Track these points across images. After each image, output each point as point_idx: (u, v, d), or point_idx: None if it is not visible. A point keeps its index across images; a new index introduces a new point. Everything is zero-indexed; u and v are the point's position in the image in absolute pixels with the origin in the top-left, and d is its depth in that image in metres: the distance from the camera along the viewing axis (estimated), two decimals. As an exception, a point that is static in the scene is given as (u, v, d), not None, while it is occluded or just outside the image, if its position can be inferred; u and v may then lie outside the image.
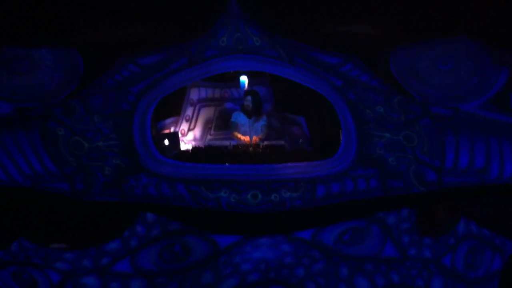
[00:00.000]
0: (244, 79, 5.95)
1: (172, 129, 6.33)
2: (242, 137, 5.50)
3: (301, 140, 5.50)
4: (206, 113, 6.62)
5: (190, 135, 6.50)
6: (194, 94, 6.56)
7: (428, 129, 4.48)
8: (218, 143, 5.76)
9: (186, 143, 6.27)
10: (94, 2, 4.57)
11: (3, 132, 4.43)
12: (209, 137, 6.53)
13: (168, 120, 6.43)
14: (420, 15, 4.61)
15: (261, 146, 5.19)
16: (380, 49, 4.67)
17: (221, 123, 6.44)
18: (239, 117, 5.69)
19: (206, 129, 6.59)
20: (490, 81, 4.53)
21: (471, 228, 4.50)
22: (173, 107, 6.49)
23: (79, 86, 4.63)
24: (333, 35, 4.74)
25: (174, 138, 5.50)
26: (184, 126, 6.48)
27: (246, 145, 5.29)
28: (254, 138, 5.48)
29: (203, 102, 6.63)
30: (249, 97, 5.67)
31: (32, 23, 4.56)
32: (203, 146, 5.65)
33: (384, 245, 4.47)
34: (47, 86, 4.62)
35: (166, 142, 5.26)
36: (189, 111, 6.53)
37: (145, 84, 4.67)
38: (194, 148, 5.43)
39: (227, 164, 4.66)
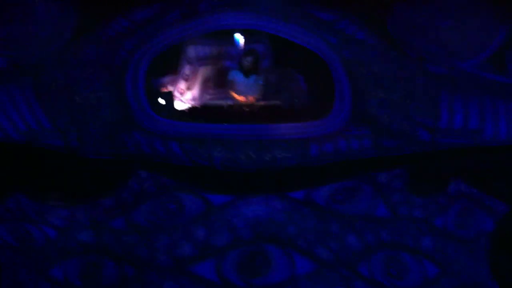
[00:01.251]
0: (238, 37, 5.95)
1: (170, 88, 6.38)
2: (238, 96, 5.55)
3: (296, 99, 5.53)
4: (204, 71, 6.63)
5: (189, 95, 6.53)
6: (191, 52, 6.56)
7: (423, 87, 4.47)
8: (215, 102, 5.82)
9: (185, 103, 6.32)
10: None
11: (-4, 87, 4.49)
12: (207, 96, 6.56)
13: (166, 79, 6.45)
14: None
15: (256, 106, 5.23)
16: (377, 5, 4.64)
17: (220, 82, 6.47)
18: (236, 76, 5.72)
19: (205, 88, 6.62)
20: (488, 39, 4.49)
21: (462, 188, 4.57)
22: (171, 65, 6.52)
23: (72, 39, 4.66)
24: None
25: (169, 97, 5.54)
26: (182, 85, 6.52)
27: (241, 105, 5.35)
28: (250, 97, 5.53)
29: (202, 60, 6.63)
30: (249, 58, 5.67)
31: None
32: (198, 105, 5.70)
33: (375, 204, 4.57)
34: (40, 35, 4.64)
35: (161, 100, 5.33)
36: (187, 70, 6.55)
37: (137, 39, 4.66)
38: (189, 108, 5.48)
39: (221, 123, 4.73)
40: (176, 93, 6.34)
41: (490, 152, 4.50)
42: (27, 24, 4.61)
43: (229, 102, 5.41)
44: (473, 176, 4.60)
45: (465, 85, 4.48)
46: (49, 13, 4.64)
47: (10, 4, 4.60)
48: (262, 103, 5.37)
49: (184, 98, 6.42)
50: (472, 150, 4.49)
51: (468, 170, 4.61)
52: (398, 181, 4.61)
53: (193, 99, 6.47)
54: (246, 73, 5.67)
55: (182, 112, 5.37)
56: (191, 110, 5.41)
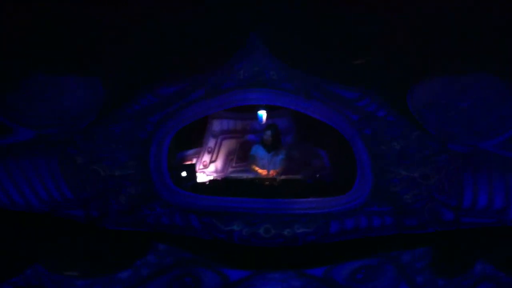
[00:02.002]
0: (262, 112, 6.09)
1: (194, 160, 6.50)
2: (260, 170, 5.62)
3: (318, 175, 5.56)
4: (228, 144, 6.76)
5: (212, 167, 6.65)
6: (216, 126, 6.73)
7: (446, 166, 4.49)
8: (237, 175, 5.90)
9: (208, 175, 6.42)
10: (116, 32, 4.80)
11: (23, 157, 4.66)
12: (230, 169, 6.67)
13: (190, 151, 6.61)
14: (439, 51, 4.66)
15: (277, 180, 5.29)
16: (398, 84, 4.72)
17: (243, 155, 6.58)
18: (258, 150, 5.84)
19: (228, 161, 6.73)
20: (508, 119, 4.51)
21: (487, 270, 4.44)
22: (196, 138, 6.68)
23: (100, 115, 4.82)
24: (351, 70, 4.82)
25: (191, 170, 5.66)
26: (206, 158, 6.64)
27: (263, 179, 5.40)
28: (272, 171, 5.60)
29: (226, 134, 6.78)
30: (268, 132, 5.82)
31: (58, 51, 4.77)
32: (220, 178, 5.78)
33: (398, 285, 4.46)
34: (69, 113, 4.82)
35: (183, 173, 5.43)
36: (211, 143, 6.69)
37: (162, 114, 4.84)
38: (211, 180, 5.56)
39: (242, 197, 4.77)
40: (199, 166, 6.47)
41: (516, 233, 4.42)
42: (56, 101, 4.80)
43: (251, 176, 5.46)
44: (500, 258, 4.48)
45: (488, 164, 4.48)
46: (78, 91, 4.83)
47: (45, 84, 4.81)
48: (283, 177, 5.41)
49: (207, 171, 6.53)
50: (498, 230, 4.42)
51: (494, 252, 4.50)
52: (422, 262, 4.51)
53: (216, 171, 6.58)
54: (268, 147, 5.78)
55: (204, 184, 5.44)
56: (213, 182, 5.49)
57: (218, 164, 6.68)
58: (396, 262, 4.52)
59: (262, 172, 5.61)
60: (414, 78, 4.68)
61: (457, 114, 4.58)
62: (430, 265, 4.46)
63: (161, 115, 4.85)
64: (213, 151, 6.69)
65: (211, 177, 6.09)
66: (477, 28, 4.47)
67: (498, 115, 4.54)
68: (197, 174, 6.04)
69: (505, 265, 4.45)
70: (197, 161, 6.54)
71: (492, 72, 4.58)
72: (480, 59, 4.59)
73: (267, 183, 5.23)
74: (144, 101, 4.84)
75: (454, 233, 4.46)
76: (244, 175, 5.49)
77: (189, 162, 6.26)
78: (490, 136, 4.52)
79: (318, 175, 5.59)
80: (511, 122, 4.51)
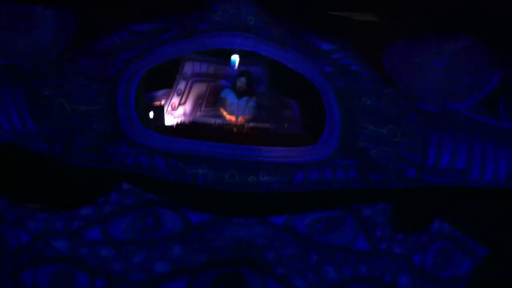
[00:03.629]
0: (235, 57, 6.06)
1: (162, 102, 6.47)
2: (228, 116, 5.65)
3: (286, 124, 5.62)
4: (198, 88, 6.72)
5: (180, 110, 6.62)
6: (188, 68, 6.67)
7: (413, 125, 4.59)
8: (205, 119, 5.91)
9: (176, 118, 6.41)
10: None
11: (-13, 86, 4.58)
12: (199, 113, 6.66)
13: (160, 92, 6.57)
14: (421, 9, 4.69)
15: (245, 127, 5.33)
16: (375, 40, 4.76)
17: (213, 100, 6.57)
18: (229, 95, 5.85)
19: (197, 104, 6.70)
20: (482, 82, 4.62)
21: (444, 228, 4.64)
22: (166, 79, 6.62)
23: (69, 48, 4.75)
24: (330, 21, 4.83)
25: (159, 111, 5.65)
26: (175, 100, 6.61)
27: (231, 125, 5.44)
28: (240, 118, 5.63)
29: (197, 77, 6.73)
30: (242, 79, 5.82)
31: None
32: (188, 121, 5.79)
33: (356, 237, 4.62)
34: (38, 44, 4.75)
35: (151, 114, 5.42)
36: (181, 85, 6.65)
37: (134, 52, 4.78)
38: (178, 123, 5.57)
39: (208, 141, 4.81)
40: (168, 108, 6.45)
41: (475, 194, 4.58)
42: (25, 32, 4.74)
43: (219, 121, 5.49)
44: (457, 218, 4.67)
45: (456, 125, 4.61)
46: (48, 22, 4.77)
47: (14, 12, 4.73)
48: (251, 124, 5.47)
49: (176, 113, 6.52)
50: (457, 190, 4.58)
51: (452, 211, 4.69)
52: (382, 216, 4.67)
53: (185, 114, 6.57)
54: (239, 93, 5.78)
55: (171, 127, 5.44)
56: (181, 125, 5.50)
57: (187, 107, 6.66)
58: (357, 215, 4.66)
59: (231, 118, 5.64)
60: (391, 35, 4.72)
61: (431, 73, 4.67)
62: (390, 220, 4.61)
63: (132, 52, 4.79)
64: (183, 94, 6.66)
65: (179, 120, 6.09)
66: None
67: (472, 77, 4.63)
68: (165, 116, 6.03)
69: (461, 225, 4.65)
70: (165, 102, 6.51)
71: (470, 33, 4.65)
72: (458, 20, 4.65)
73: (235, 129, 5.27)
74: (116, 37, 4.76)
75: (415, 190, 4.60)
76: (213, 120, 5.50)
77: (157, 103, 6.24)
78: (462, 97, 4.62)
79: (287, 125, 5.65)
80: (484, 85, 4.62)
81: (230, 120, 5.60)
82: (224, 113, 5.71)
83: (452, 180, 4.57)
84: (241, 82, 5.80)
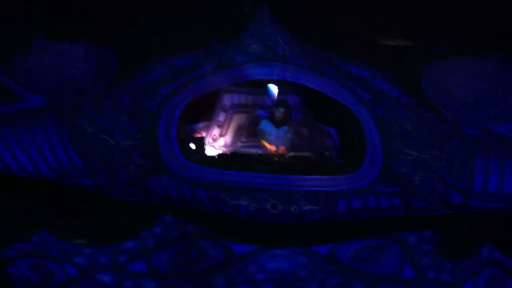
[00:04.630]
0: (273, 87, 6.12)
1: (203, 134, 6.58)
2: (269, 146, 5.69)
3: (328, 152, 5.62)
4: (238, 119, 6.81)
5: (221, 141, 6.71)
6: (227, 100, 6.77)
7: (457, 149, 4.54)
8: (246, 150, 5.96)
9: (217, 149, 6.50)
10: (130, 1, 4.84)
11: (33, 124, 4.76)
12: (239, 144, 6.73)
13: (200, 125, 6.67)
14: (457, 32, 4.67)
15: (286, 157, 5.36)
16: (413, 64, 4.75)
17: (253, 130, 6.63)
18: (267, 126, 5.89)
19: (237, 135, 6.79)
20: (525, 103, 4.54)
21: (494, 255, 4.52)
22: (206, 112, 6.74)
23: (110, 84, 4.90)
24: (366, 47, 4.85)
25: (200, 143, 5.74)
26: (215, 132, 6.71)
27: (271, 155, 5.47)
28: (281, 148, 5.66)
29: (236, 108, 6.83)
30: (281, 109, 5.85)
31: (69, 18, 4.85)
32: (229, 152, 5.85)
33: (402, 266, 4.55)
34: (80, 82, 4.90)
35: (192, 146, 5.51)
36: (221, 117, 6.75)
37: (173, 86, 4.91)
38: (219, 154, 5.64)
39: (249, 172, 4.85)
40: (209, 139, 6.55)
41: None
42: (67, 71, 4.88)
43: (259, 151, 5.53)
44: (507, 244, 4.55)
45: (501, 148, 4.53)
46: (90, 60, 4.91)
47: (56, 51, 4.89)
48: (292, 154, 5.48)
49: (217, 145, 6.61)
50: (506, 215, 4.47)
51: (501, 237, 4.57)
52: (428, 244, 4.60)
53: (225, 145, 6.66)
54: (277, 123, 5.83)
55: (212, 158, 5.51)
56: (222, 156, 5.56)
57: (228, 138, 6.75)
58: (402, 243, 4.60)
59: (271, 148, 5.68)
60: (430, 58, 4.70)
61: (471, 96, 4.61)
62: (437, 247, 4.53)
63: (171, 87, 4.92)
64: (223, 125, 6.76)
65: (220, 151, 6.16)
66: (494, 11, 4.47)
67: (513, 98, 4.57)
68: (206, 148, 6.12)
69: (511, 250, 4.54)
70: (206, 134, 6.61)
71: (506, 53, 4.60)
72: (496, 42, 4.61)
73: (276, 159, 5.30)
74: (155, 73, 4.90)
75: (462, 216, 4.52)
76: (253, 151, 5.55)
77: (198, 135, 6.34)
78: (504, 119, 4.54)
79: (327, 154, 5.64)
80: (526, 106, 4.55)
81: (271, 150, 5.64)
82: (265, 143, 5.76)
83: (500, 205, 4.47)
84: (279, 112, 5.84)
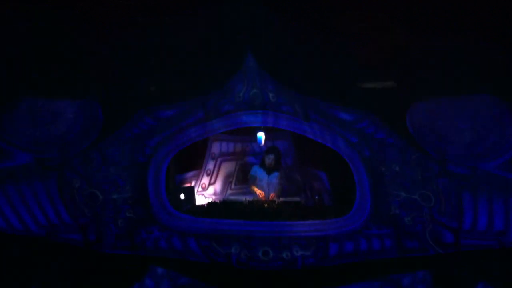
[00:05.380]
0: (261, 135, 6.20)
1: (193, 183, 6.61)
2: (258, 192, 5.71)
3: (317, 196, 5.66)
4: (227, 167, 6.88)
5: (211, 189, 6.75)
6: (215, 148, 6.85)
7: (446, 188, 4.58)
8: (236, 198, 5.98)
9: (207, 197, 6.52)
10: (113, 55, 4.92)
11: (21, 181, 4.79)
12: (229, 191, 6.77)
13: (190, 174, 6.72)
14: (439, 71, 4.76)
15: (276, 203, 5.38)
16: (397, 106, 4.82)
17: (242, 177, 6.68)
18: (258, 172, 5.94)
19: (226, 183, 6.84)
20: (510, 141, 4.59)
21: (489, 292, 4.51)
22: (195, 161, 6.79)
23: (98, 138, 4.94)
24: (349, 91, 4.93)
25: (190, 192, 5.76)
26: (205, 180, 6.75)
27: (261, 201, 5.49)
28: (271, 194, 5.69)
29: (224, 156, 6.90)
30: (271, 156, 5.92)
31: (54, 74, 4.88)
32: (218, 201, 5.87)
33: (399, 308, 4.53)
34: (67, 137, 4.94)
35: (182, 196, 5.53)
36: (210, 165, 6.81)
37: (161, 137, 4.97)
38: (209, 203, 5.66)
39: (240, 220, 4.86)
40: (198, 188, 6.57)
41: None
42: (53, 126, 4.92)
43: (249, 198, 5.55)
44: (500, 280, 4.54)
45: (489, 186, 4.55)
46: (77, 115, 4.95)
47: (42, 108, 4.93)
48: (282, 199, 5.51)
49: (206, 193, 6.63)
50: (498, 252, 4.48)
51: (494, 273, 4.56)
52: (422, 284, 4.58)
53: (215, 193, 6.68)
54: (268, 169, 5.87)
55: (202, 207, 5.52)
56: (212, 205, 5.57)
57: (217, 186, 6.79)
58: (397, 284, 4.58)
59: (261, 194, 5.70)
60: (413, 99, 4.78)
61: (457, 135, 4.66)
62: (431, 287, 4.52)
63: (159, 138, 4.98)
64: (212, 174, 6.81)
65: (210, 200, 6.18)
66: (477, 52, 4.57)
67: (499, 136, 4.61)
68: (196, 197, 6.13)
69: (506, 286, 4.51)
70: (196, 183, 6.64)
71: (492, 92, 4.68)
72: (480, 80, 4.69)
73: (266, 205, 5.31)
74: (142, 125, 4.96)
75: (455, 255, 4.53)
76: (243, 198, 5.57)
77: (188, 185, 6.36)
78: (491, 157, 4.59)
79: (317, 198, 5.67)
80: (511, 143, 4.59)
81: (261, 197, 5.66)
82: (256, 189, 5.78)
83: (491, 242, 4.49)
84: (270, 159, 5.90)
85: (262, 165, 6.00)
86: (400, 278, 4.58)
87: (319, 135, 4.95)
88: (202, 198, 6.45)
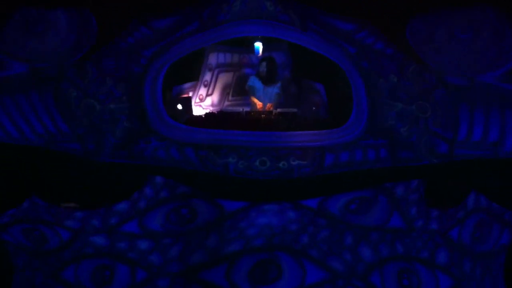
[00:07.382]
0: (258, 45, 6.18)
1: (190, 94, 6.64)
2: (256, 103, 5.76)
3: (314, 107, 5.71)
4: (224, 78, 6.89)
5: (208, 101, 6.80)
6: (212, 59, 6.83)
7: (442, 99, 4.62)
8: (233, 109, 6.04)
9: (204, 109, 6.58)
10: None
11: (17, 91, 4.82)
12: (226, 102, 6.82)
13: (187, 85, 6.76)
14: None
15: (273, 113, 5.45)
16: (396, 16, 4.78)
17: (239, 89, 6.71)
18: (255, 82, 5.96)
19: (224, 94, 6.88)
20: (509, 52, 4.59)
21: (480, 201, 4.65)
22: (192, 72, 6.78)
23: (93, 48, 4.91)
24: (349, 1, 4.87)
25: (187, 103, 5.81)
26: (202, 91, 6.78)
27: (259, 112, 5.55)
28: (268, 105, 5.74)
29: (222, 67, 6.89)
30: (264, 63, 5.93)
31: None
32: (216, 112, 5.93)
33: (390, 216, 4.69)
34: (61, 47, 4.91)
35: (179, 106, 5.58)
36: (207, 76, 6.83)
37: (157, 48, 4.94)
38: (206, 114, 5.72)
39: (237, 130, 4.93)
40: (196, 99, 6.61)
41: (509, 165, 4.59)
42: (47, 36, 4.89)
43: (247, 109, 5.61)
44: (493, 190, 4.68)
45: (486, 97, 4.61)
46: (69, 24, 4.91)
47: (36, 18, 4.90)
48: (279, 110, 5.57)
49: (204, 104, 6.68)
50: (491, 163, 4.60)
51: (487, 184, 4.70)
52: (416, 194, 4.72)
53: (212, 105, 6.73)
54: (264, 80, 5.89)
55: (200, 118, 5.59)
56: (209, 116, 5.64)
57: (214, 97, 6.83)
58: (390, 194, 4.72)
59: (259, 105, 5.75)
60: (414, 9, 4.73)
61: (457, 45, 4.65)
62: (424, 197, 4.66)
63: (155, 48, 4.95)
64: (209, 85, 6.83)
65: (207, 111, 6.24)
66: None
67: (499, 47, 4.61)
68: (193, 108, 6.19)
69: (497, 197, 4.66)
70: (193, 94, 6.68)
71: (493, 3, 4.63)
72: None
73: (263, 116, 5.38)
74: (137, 34, 4.92)
75: (448, 165, 4.64)
76: (240, 109, 5.63)
77: (185, 96, 6.40)
78: (490, 68, 4.60)
79: (314, 109, 5.73)
80: (510, 55, 4.58)
81: (258, 107, 5.72)
82: (254, 99, 5.83)
83: (486, 152, 4.59)
84: (263, 67, 5.92)
85: (258, 75, 6.02)
86: (394, 187, 4.71)
87: (317, 45, 4.93)
88: (200, 109, 6.51)
